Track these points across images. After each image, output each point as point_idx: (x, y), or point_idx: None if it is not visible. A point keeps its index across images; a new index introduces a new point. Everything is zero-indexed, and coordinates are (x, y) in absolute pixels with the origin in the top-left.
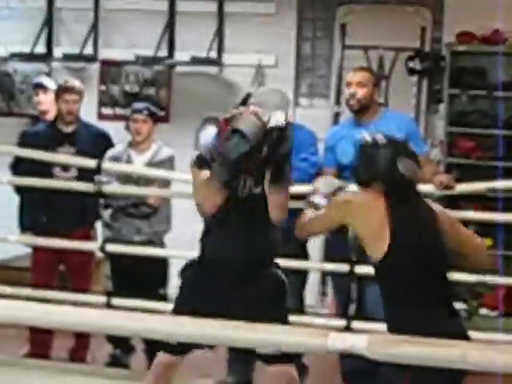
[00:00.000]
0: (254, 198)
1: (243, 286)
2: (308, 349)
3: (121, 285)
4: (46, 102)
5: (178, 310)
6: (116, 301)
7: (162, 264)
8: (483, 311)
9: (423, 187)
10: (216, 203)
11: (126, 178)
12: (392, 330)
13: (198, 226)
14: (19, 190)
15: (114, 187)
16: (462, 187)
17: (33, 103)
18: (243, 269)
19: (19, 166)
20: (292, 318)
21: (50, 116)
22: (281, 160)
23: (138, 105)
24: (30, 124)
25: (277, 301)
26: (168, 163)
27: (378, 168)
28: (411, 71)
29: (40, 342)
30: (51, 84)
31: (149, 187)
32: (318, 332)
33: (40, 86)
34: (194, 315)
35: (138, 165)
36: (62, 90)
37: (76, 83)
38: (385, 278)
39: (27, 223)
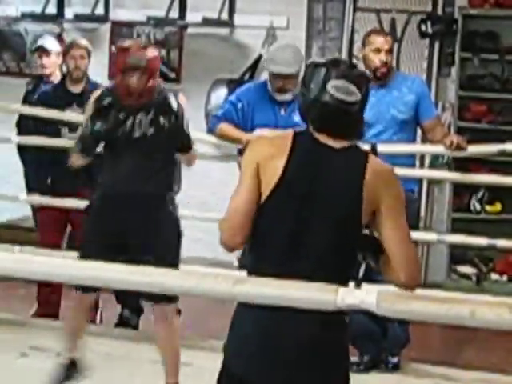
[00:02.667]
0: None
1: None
2: (317, 304)
3: None
4: (49, 65)
5: None
6: None
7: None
8: (494, 276)
9: (434, 148)
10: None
11: None
12: None
13: (208, 187)
14: (20, 149)
15: None
16: (474, 149)
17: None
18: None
19: (24, 126)
20: None
21: (54, 78)
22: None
23: None
24: (31, 83)
25: None
26: None
27: (308, 91)
28: (423, 34)
29: (48, 301)
30: (53, 46)
31: None
32: (327, 287)
33: (42, 49)
34: None
35: None
36: (68, 47)
37: (83, 41)
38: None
39: (33, 184)
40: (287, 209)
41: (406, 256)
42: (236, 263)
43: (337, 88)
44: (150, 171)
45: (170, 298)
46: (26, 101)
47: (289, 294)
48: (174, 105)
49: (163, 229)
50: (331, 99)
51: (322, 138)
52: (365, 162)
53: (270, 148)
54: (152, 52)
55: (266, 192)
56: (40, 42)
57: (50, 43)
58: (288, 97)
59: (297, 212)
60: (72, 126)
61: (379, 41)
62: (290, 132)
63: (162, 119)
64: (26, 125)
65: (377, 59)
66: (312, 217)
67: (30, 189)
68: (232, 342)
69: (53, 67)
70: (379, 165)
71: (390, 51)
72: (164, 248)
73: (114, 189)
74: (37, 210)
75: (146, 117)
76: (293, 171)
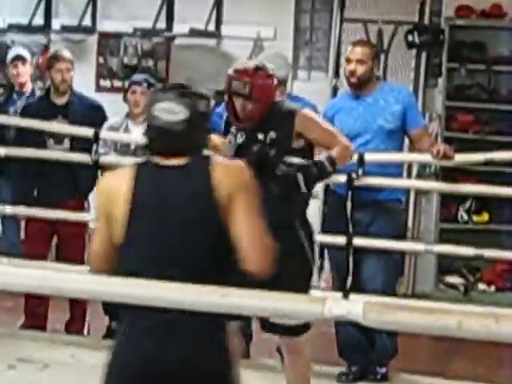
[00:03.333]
0: None
1: None
2: (305, 315)
3: None
4: (25, 73)
5: None
6: None
7: None
8: (481, 286)
9: (421, 157)
10: None
11: (123, 150)
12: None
13: None
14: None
15: (111, 158)
16: (461, 157)
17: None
18: None
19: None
20: None
21: (27, 88)
22: None
23: (137, 76)
24: (3, 94)
25: None
26: None
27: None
28: (410, 45)
29: (35, 313)
30: (27, 55)
31: None
32: (315, 299)
33: (19, 58)
34: None
35: (136, 135)
36: (53, 60)
37: (66, 53)
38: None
39: (17, 196)
40: (143, 236)
41: (255, 249)
42: None
43: (162, 110)
44: None
45: (297, 331)
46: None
47: (276, 305)
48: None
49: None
50: (157, 121)
51: (160, 160)
52: (208, 168)
53: (115, 183)
54: (259, 78)
55: (120, 226)
56: (15, 52)
57: (25, 52)
58: None
59: (152, 236)
60: (58, 138)
61: (350, 51)
62: (134, 163)
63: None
64: (1, 136)
65: (347, 69)
66: (167, 237)
67: (15, 201)
68: (112, 368)
69: (27, 76)
70: (226, 164)
71: (361, 62)
72: None
73: None
74: (25, 221)
75: (264, 139)
76: (138, 199)
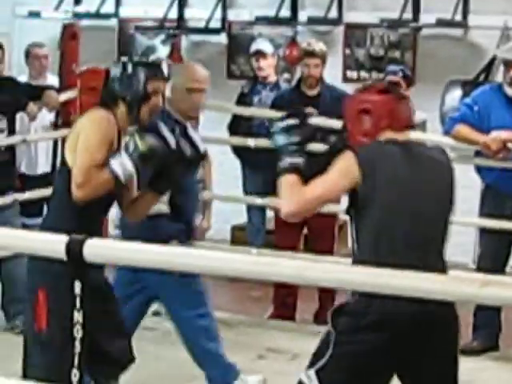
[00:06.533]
0: None
1: None
2: None
3: None
4: (266, 67)
5: None
6: None
7: None
8: None
9: None
10: None
11: None
12: None
13: None
14: (238, 152)
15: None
16: None
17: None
18: None
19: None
20: None
21: (271, 79)
22: None
23: (393, 67)
24: (247, 86)
25: None
26: (421, 126)
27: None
28: None
29: (284, 303)
30: (269, 49)
31: None
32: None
33: (260, 53)
34: None
35: None
36: (303, 54)
37: (318, 47)
38: None
39: (268, 187)
40: None
41: None
42: (472, 265)
43: None
44: None
45: None
46: (240, 102)
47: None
48: None
49: None
50: None
51: None
52: None
53: None
54: (375, 95)
55: None
56: (256, 46)
57: (267, 46)
58: None
59: None
60: None
61: None
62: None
63: None
64: (248, 127)
65: None
66: None
67: (250, 191)
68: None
69: (269, 69)
70: None
71: None
72: None
73: None
74: (275, 212)
75: None
76: None
